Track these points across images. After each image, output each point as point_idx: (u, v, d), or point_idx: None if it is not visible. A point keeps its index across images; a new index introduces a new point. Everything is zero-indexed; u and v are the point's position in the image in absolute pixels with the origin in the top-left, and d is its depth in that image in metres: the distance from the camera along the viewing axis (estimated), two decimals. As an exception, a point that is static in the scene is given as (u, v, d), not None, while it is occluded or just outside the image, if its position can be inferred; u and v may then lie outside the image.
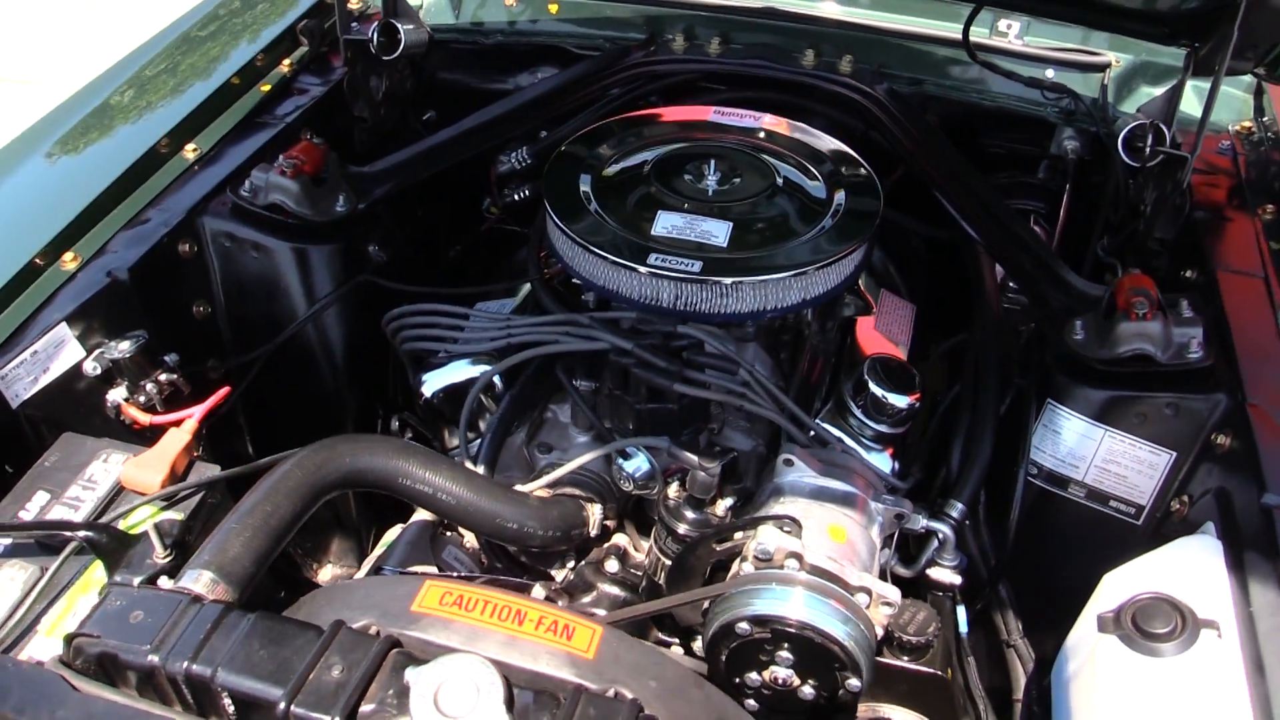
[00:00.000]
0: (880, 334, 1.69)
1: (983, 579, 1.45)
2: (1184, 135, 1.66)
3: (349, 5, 2.17)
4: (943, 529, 1.35)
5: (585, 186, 1.61)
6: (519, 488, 1.41)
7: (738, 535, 1.25)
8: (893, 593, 1.19)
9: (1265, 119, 1.82)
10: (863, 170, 1.68)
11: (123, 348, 1.48)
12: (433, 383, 1.61)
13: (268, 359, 1.70)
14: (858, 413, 1.48)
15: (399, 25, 1.91)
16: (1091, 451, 1.42)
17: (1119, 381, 1.39)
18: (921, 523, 1.34)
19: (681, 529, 1.30)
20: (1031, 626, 1.49)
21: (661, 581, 1.37)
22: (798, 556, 1.18)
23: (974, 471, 1.44)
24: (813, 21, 1.97)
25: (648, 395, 1.40)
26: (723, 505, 1.31)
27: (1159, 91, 1.88)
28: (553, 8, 2.12)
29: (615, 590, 1.46)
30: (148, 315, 1.55)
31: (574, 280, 1.64)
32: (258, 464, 1.36)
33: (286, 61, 2.00)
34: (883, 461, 1.47)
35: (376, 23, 1.91)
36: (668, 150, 1.68)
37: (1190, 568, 1.17)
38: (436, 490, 1.31)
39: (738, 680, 1.21)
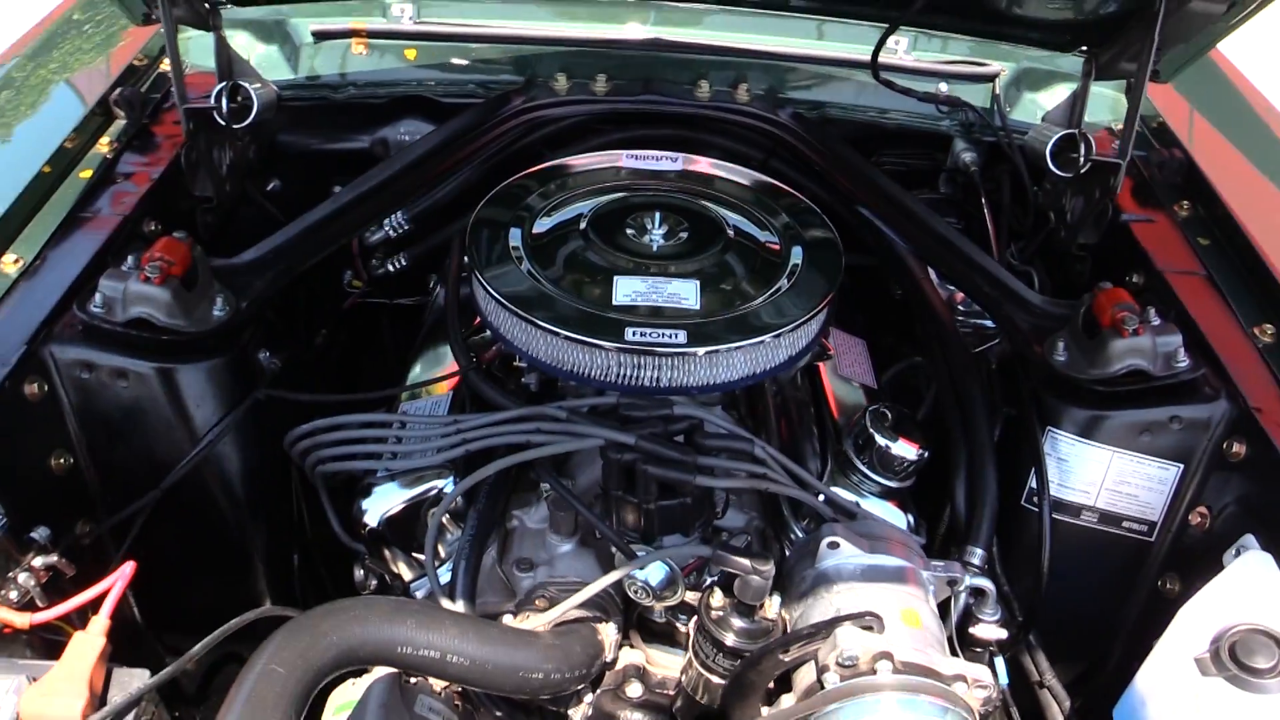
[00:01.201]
0: (844, 378, 1.60)
1: (1013, 625, 1.39)
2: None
3: (162, 68, 1.86)
4: (986, 583, 1.26)
5: (517, 253, 1.42)
6: (527, 625, 1.19)
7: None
8: (985, 673, 1.09)
9: (1149, 117, 1.87)
10: (802, 203, 1.58)
11: (-25, 535, 1.15)
12: (376, 509, 1.36)
13: (153, 508, 1.39)
14: (864, 470, 1.38)
15: (249, 87, 1.62)
16: (1101, 475, 1.38)
17: (1121, 401, 1.36)
18: (968, 582, 1.25)
19: (731, 640, 1.14)
20: (1053, 661, 1.45)
21: (706, 700, 1.20)
22: (889, 656, 1.05)
23: (986, 512, 1.37)
24: (701, 51, 1.86)
25: (658, 492, 1.23)
26: (773, 607, 1.17)
27: (1042, 97, 1.93)
28: (410, 53, 1.89)
29: (639, 716, 1.28)
30: None
31: (521, 364, 1.45)
32: (195, 652, 1.09)
33: (104, 141, 1.66)
34: (898, 519, 1.38)
35: (219, 87, 1.62)
36: (601, 204, 1.52)
37: (1260, 588, 1.15)
38: (446, 654, 1.08)
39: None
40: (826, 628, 1.09)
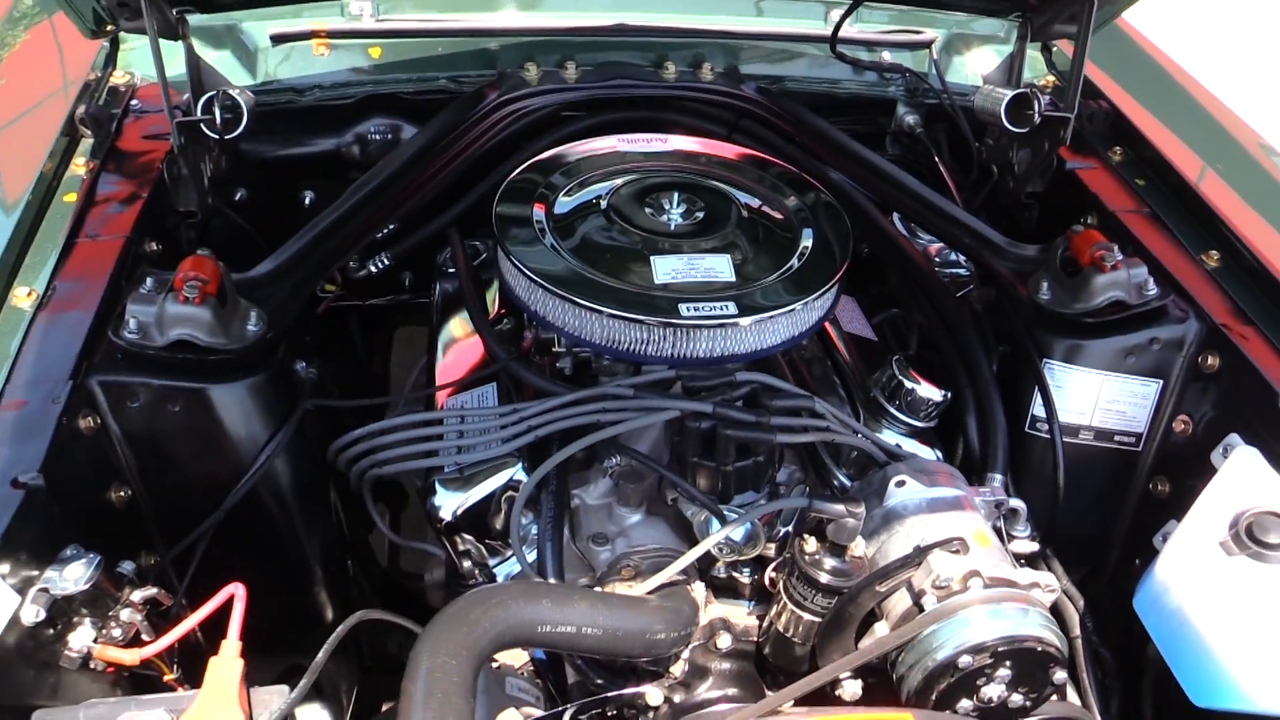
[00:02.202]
0: (847, 334, 1.72)
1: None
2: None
3: (114, 80, 1.78)
4: (1019, 504, 1.41)
5: (550, 240, 1.47)
6: (641, 593, 1.26)
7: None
8: (1051, 579, 1.23)
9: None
10: (791, 172, 1.69)
11: (73, 575, 1.11)
12: (451, 503, 1.38)
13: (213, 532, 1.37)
14: (895, 413, 1.50)
15: (237, 96, 1.59)
16: (1094, 397, 1.55)
17: (1106, 329, 1.53)
18: (1010, 504, 1.39)
19: (825, 579, 1.24)
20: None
21: (800, 639, 1.29)
22: (978, 574, 1.18)
23: (999, 441, 1.52)
24: (665, 34, 1.92)
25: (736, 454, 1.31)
26: (860, 546, 1.27)
27: (970, 59, 2.10)
28: (374, 51, 1.88)
29: (730, 665, 1.36)
30: (69, 522, 1.18)
31: (559, 350, 1.50)
32: (319, 662, 1.11)
33: (78, 162, 1.59)
34: (928, 456, 1.51)
35: (207, 96, 1.57)
36: (617, 187, 1.58)
37: (1257, 478, 1.33)
38: (581, 627, 1.13)
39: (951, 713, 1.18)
40: (919, 555, 1.21)
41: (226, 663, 1.06)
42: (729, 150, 1.73)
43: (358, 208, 1.62)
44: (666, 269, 1.43)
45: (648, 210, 1.54)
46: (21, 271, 1.39)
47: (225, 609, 1.13)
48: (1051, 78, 2.06)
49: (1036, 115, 1.74)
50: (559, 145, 1.71)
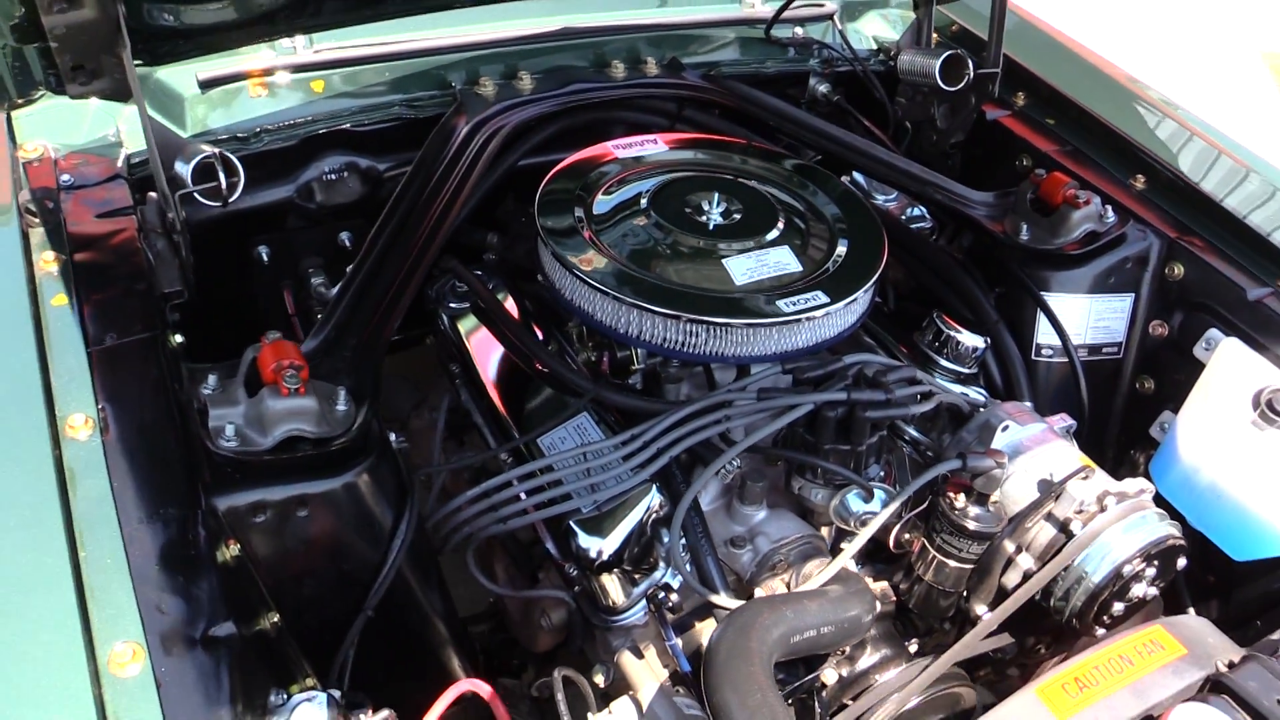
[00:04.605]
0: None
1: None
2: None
3: (25, 154, 1.54)
4: (1072, 422, 1.58)
5: (619, 259, 1.46)
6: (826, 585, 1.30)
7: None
8: (1145, 483, 1.41)
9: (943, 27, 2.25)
10: (790, 157, 1.76)
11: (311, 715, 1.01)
12: (606, 541, 1.35)
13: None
14: (944, 363, 1.64)
15: (233, 157, 1.42)
16: (1086, 318, 1.76)
17: (1089, 258, 1.74)
18: (1073, 425, 1.57)
19: (974, 526, 1.34)
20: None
21: (950, 587, 1.39)
22: (1109, 494, 1.33)
23: (1018, 372, 1.70)
24: (607, 33, 1.91)
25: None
26: (997, 493, 1.38)
27: (864, 25, 2.25)
28: (317, 85, 1.73)
29: (876, 629, 1.44)
30: (258, 664, 1.06)
31: (640, 366, 1.50)
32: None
33: (46, 258, 1.37)
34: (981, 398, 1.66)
35: (201, 158, 1.40)
36: (650, 192, 1.59)
37: (1245, 365, 1.58)
38: (819, 628, 1.18)
39: (1107, 618, 1.34)
40: (1058, 487, 1.35)
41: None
42: (728, 144, 1.78)
43: (381, 261, 1.51)
44: (742, 269, 1.47)
45: (688, 210, 1.56)
46: (57, 398, 1.19)
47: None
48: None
49: (970, 73, 1.91)
50: (533, 157, 1.70)
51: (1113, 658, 1.07)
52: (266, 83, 1.70)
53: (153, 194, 1.52)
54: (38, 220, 1.42)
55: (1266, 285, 1.62)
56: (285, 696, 1.02)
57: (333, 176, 1.75)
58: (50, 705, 0.90)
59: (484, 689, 1.09)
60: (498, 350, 1.62)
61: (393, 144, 1.77)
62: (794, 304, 1.40)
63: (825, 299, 1.42)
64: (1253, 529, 1.53)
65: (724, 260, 1.48)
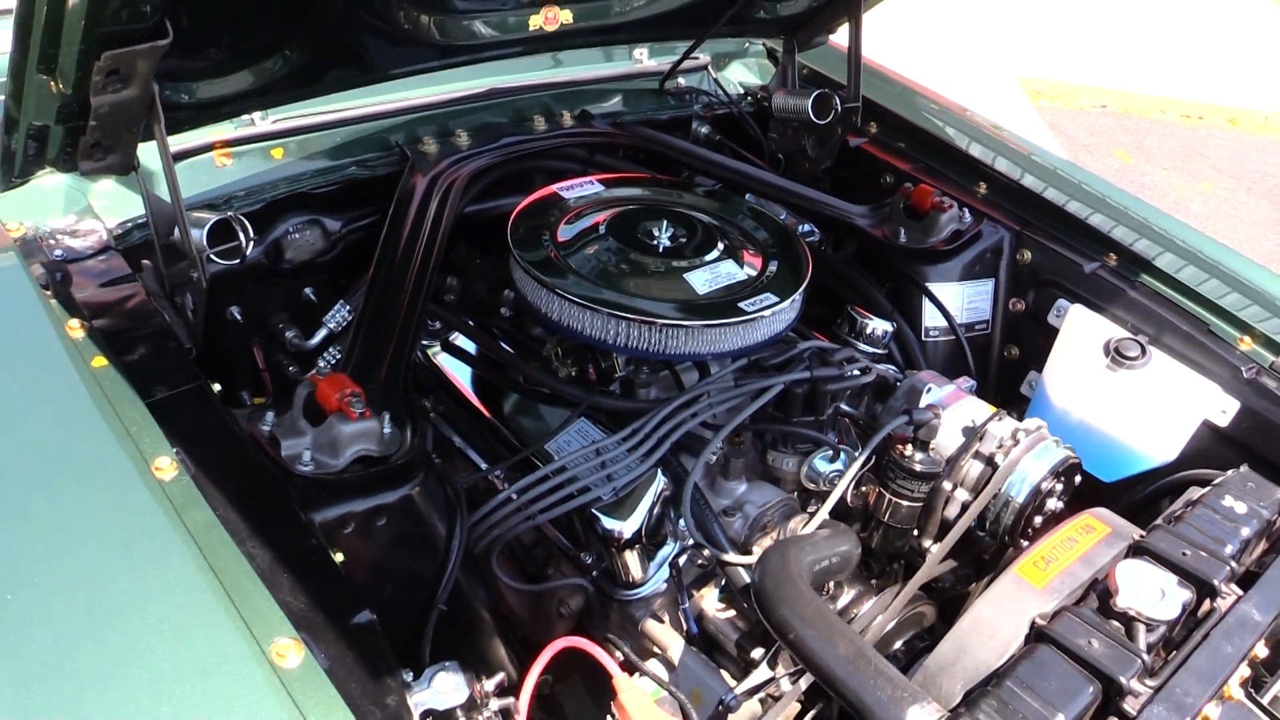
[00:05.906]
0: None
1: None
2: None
3: (12, 232, 1.60)
4: (972, 383, 1.93)
5: (591, 283, 1.68)
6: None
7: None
8: (1036, 423, 1.75)
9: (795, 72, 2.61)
10: (702, 183, 2.04)
11: (446, 688, 1.15)
12: (629, 522, 1.55)
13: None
14: (863, 345, 1.94)
15: (242, 217, 1.54)
16: (960, 302, 2.12)
17: (957, 252, 2.10)
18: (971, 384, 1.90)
19: (919, 468, 1.63)
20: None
21: (902, 524, 1.67)
22: (1020, 430, 1.66)
23: (915, 348, 2.04)
24: (530, 91, 2.14)
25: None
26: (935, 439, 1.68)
27: (730, 73, 2.58)
28: (277, 153, 1.85)
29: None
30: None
31: (625, 373, 1.72)
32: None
33: (71, 325, 1.44)
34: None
35: (213, 221, 1.52)
36: (608, 223, 1.81)
37: (1090, 324, 1.97)
38: (830, 556, 1.43)
39: (1031, 530, 1.65)
40: (980, 430, 1.66)
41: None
42: (645, 180, 2.03)
43: (380, 308, 1.66)
44: (700, 281, 1.72)
45: (639, 236, 1.80)
46: (136, 446, 1.28)
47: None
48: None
49: (838, 108, 2.26)
50: (474, 205, 1.91)
51: (1063, 540, 1.37)
52: (231, 153, 1.81)
53: (146, 262, 1.62)
54: (49, 292, 1.48)
55: (1095, 260, 2.03)
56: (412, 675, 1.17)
57: (296, 235, 1.87)
58: (245, 700, 1.01)
59: (585, 643, 1.26)
60: (467, 376, 1.81)
61: (349, 202, 1.92)
62: (752, 304, 1.66)
63: (775, 299, 1.69)
64: (1118, 454, 1.91)
65: (685, 275, 1.72)
